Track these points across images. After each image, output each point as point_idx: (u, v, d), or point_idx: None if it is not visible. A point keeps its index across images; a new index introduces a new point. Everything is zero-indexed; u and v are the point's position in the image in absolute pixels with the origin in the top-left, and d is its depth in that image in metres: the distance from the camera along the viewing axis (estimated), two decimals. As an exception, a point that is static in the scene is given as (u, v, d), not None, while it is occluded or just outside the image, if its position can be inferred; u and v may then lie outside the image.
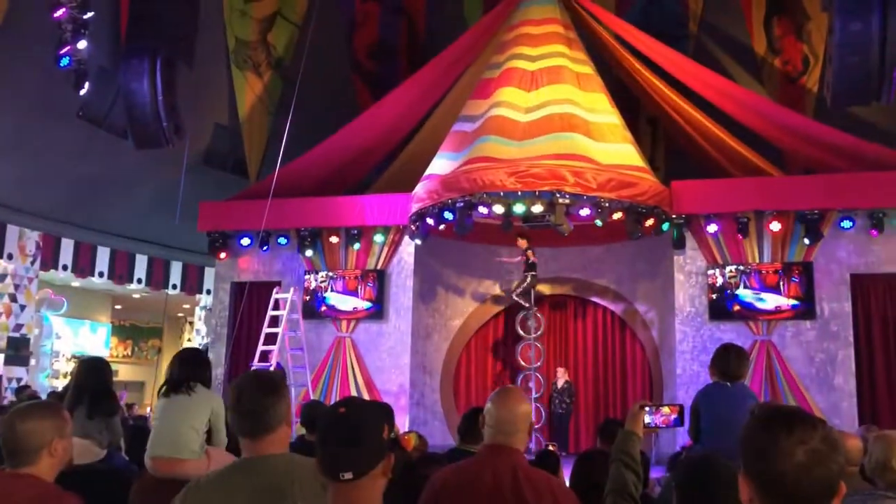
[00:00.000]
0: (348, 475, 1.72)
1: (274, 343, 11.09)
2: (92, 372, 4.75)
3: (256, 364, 10.92)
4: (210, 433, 3.96)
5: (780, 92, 13.42)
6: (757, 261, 11.09)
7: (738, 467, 1.50)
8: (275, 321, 11.29)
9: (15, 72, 10.84)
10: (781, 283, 10.92)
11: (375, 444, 1.78)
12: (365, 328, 12.27)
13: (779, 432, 1.42)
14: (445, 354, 12.90)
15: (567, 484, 3.22)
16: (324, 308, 12.37)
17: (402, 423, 11.06)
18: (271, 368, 10.69)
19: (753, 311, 10.97)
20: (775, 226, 10.89)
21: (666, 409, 3.03)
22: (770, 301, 10.93)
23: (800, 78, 13.37)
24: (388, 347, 12.05)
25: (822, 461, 1.40)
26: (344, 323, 12.29)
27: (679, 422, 3.06)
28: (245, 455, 2.21)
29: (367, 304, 12.23)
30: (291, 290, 11.60)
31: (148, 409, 14.95)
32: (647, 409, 2.96)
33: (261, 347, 11.11)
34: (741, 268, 11.10)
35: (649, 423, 2.96)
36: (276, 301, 11.45)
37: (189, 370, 3.97)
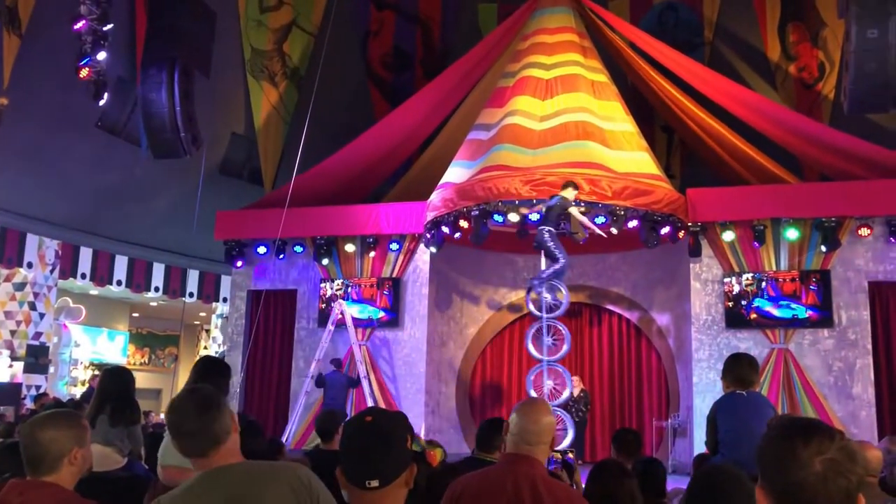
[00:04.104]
0: (375, 483, 1.73)
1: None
2: (114, 381, 4.83)
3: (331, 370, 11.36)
4: None
5: (795, 99, 13.36)
6: (774, 269, 11.03)
7: (754, 477, 1.50)
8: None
9: (35, 82, 10.97)
10: (798, 291, 10.86)
11: (401, 454, 1.79)
12: (380, 336, 12.31)
13: (796, 443, 1.42)
14: (461, 363, 12.89)
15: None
16: (339, 316, 12.40)
17: (418, 432, 11.08)
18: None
19: (770, 320, 10.90)
20: (792, 233, 10.84)
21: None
22: (787, 309, 10.86)
23: (815, 84, 13.31)
24: (404, 355, 12.07)
25: (840, 472, 1.39)
26: (359, 331, 12.31)
27: None
28: (200, 471, 2.09)
29: (382, 312, 12.27)
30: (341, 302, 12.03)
31: (162, 416, 15.03)
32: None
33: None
34: (758, 276, 11.04)
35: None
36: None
37: (208, 380, 4.00)
